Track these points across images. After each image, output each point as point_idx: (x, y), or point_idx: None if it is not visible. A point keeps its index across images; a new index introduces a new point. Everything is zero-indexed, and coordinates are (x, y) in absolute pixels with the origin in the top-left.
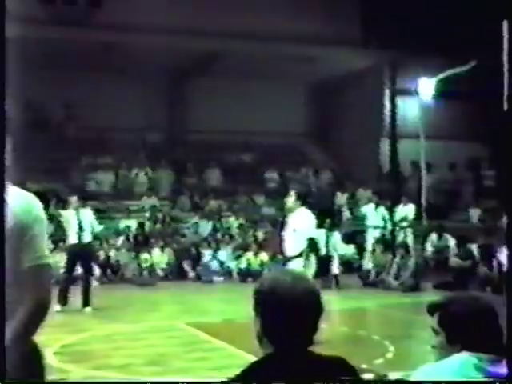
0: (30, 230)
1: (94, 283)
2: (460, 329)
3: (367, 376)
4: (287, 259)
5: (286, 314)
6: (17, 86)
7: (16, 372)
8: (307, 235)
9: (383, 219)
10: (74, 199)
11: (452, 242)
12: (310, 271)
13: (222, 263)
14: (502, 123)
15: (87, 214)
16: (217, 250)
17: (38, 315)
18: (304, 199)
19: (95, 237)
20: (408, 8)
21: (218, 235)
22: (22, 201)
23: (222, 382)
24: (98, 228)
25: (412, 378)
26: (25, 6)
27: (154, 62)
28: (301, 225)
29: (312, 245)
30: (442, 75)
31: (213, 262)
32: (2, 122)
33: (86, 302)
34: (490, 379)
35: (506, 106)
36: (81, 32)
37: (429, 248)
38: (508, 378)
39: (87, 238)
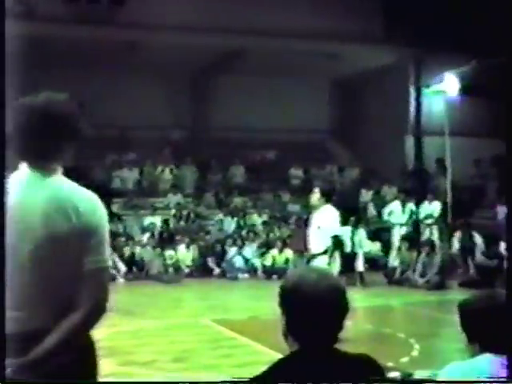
0: (96, 233)
1: (120, 280)
2: (476, 328)
3: (393, 374)
4: (312, 256)
5: (311, 311)
6: (42, 84)
7: (70, 368)
8: (332, 232)
9: (409, 216)
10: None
11: (478, 239)
12: (335, 268)
13: (246, 260)
14: None
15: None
16: (241, 246)
17: (95, 317)
18: (329, 196)
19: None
20: (432, 3)
21: (243, 232)
22: (88, 201)
23: (231, 381)
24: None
25: (439, 377)
26: (48, 5)
27: (178, 59)
28: (325, 222)
29: (337, 242)
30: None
31: (237, 258)
32: (1, 123)
33: None
34: (490, 379)
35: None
36: (104, 30)
37: (455, 245)
38: (508, 377)
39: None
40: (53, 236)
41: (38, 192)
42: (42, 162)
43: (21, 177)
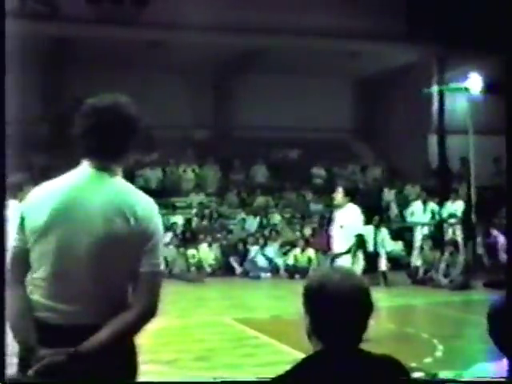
0: (153, 237)
1: None
2: (494, 330)
3: (417, 375)
4: (335, 256)
5: (334, 311)
6: (66, 85)
7: (112, 369)
8: (355, 231)
9: (431, 216)
10: None
11: (502, 238)
12: (358, 268)
13: (269, 259)
14: None
15: None
16: (264, 246)
17: (146, 318)
18: (352, 195)
19: None
20: (455, 1)
21: (265, 231)
22: (145, 205)
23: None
24: None
25: (465, 378)
26: (72, 6)
27: (200, 59)
28: (348, 221)
29: (360, 241)
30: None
31: (260, 258)
32: (2, 124)
33: None
34: (490, 379)
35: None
36: (127, 31)
37: (478, 245)
38: (508, 377)
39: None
40: (110, 235)
41: (99, 190)
42: (105, 162)
43: (82, 173)
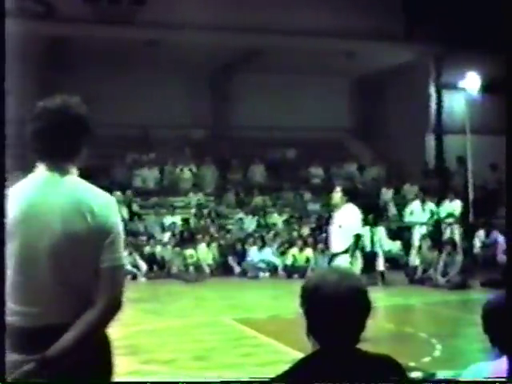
0: (111, 232)
1: (141, 279)
2: (491, 329)
3: (415, 374)
4: (333, 255)
5: (331, 311)
6: (64, 84)
7: (86, 365)
8: (354, 231)
9: (429, 215)
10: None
11: (500, 238)
12: (357, 268)
13: (267, 259)
14: None
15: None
16: (262, 245)
17: (110, 314)
18: (350, 195)
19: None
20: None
21: (263, 231)
22: (102, 201)
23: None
24: None
25: (462, 378)
26: (69, 5)
27: (198, 58)
28: (347, 221)
29: (358, 241)
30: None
31: (258, 257)
32: (1, 122)
33: None
34: (490, 379)
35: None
36: (125, 30)
37: (476, 245)
38: (508, 377)
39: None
40: (69, 234)
41: (55, 191)
42: (59, 163)
43: (38, 176)
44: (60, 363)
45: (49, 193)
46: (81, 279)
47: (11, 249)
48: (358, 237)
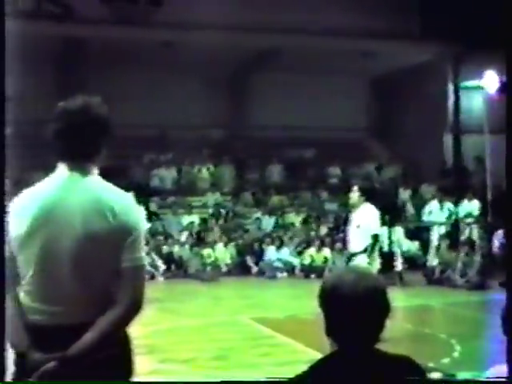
0: (132, 232)
1: (159, 278)
2: (508, 330)
3: (435, 375)
4: (351, 255)
5: (350, 311)
6: (83, 84)
7: (106, 364)
8: (372, 231)
9: (448, 215)
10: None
11: None
12: (375, 267)
13: (284, 259)
14: None
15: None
16: (280, 245)
17: (131, 314)
18: (368, 195)
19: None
20: None
21: (281, 231)
22: (123, 201)
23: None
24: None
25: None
26: (86, 6)
27: (215, 58)
28: (365, 221)
29: (376, 241)
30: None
31: (276, 257)
32: (1, 122)
33: None
34: (490, 379)
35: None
36: (142, 31)
37: (495, 245)
38: (508, 377)
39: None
40: (90, 234)
41: (76, 191)
42: (79, 163)
43: (59, 177)
44: (81, 362)
45: (70, 193)
46: (102, 279)
47: (32, 248)
48: (376, 237)
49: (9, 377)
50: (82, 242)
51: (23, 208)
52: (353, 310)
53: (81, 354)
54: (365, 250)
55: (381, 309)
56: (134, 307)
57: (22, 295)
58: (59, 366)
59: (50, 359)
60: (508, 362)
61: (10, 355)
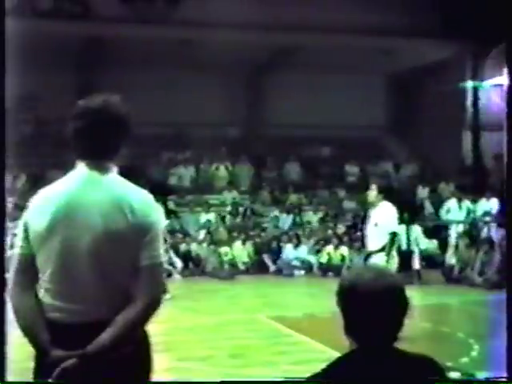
0: (151, 230)
1: (176, 276)
2: None
3: (454, 375)
4: (369, 254)
5: (368, 310)
6: (101, 83)
7: (125, 362)
8: (389, 229)
9: (466, 214)
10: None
11: None
12: (393, 266)
13: (302, 257)
14: None
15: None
16: (297, 243)
17: (150, 311)
18: (386, 193)
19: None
20: None
21: (299, 229)
22: (142, 200)
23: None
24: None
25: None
26: (105, 5)
27: (233, 57)
28: (383, 219)
29: (394, 239)
30: None
31: (293, 255)
32: (1, 122)
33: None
34: (490, 379)
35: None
36: (160, 29)
37: None
38: (508, 377)
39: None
40: (110, 232)
41: (97, 190)
42: (99, 161)
43: (78, 175)
44: (100, 359)
45: (90, 191)
46: (120, 276)
47: (52, 246)
48: (393, 235)
49: (9, 377)
50: (101, 240)
51: (43, 206)
52: (371, 308)
53: (101, 351)
54: (382, 249)
55: (399, 307)
56: (153, 305)
57: (41, 292)
58: (80, 362)
59: (70, 356)
60: (508, 362)
61: (10, 356)
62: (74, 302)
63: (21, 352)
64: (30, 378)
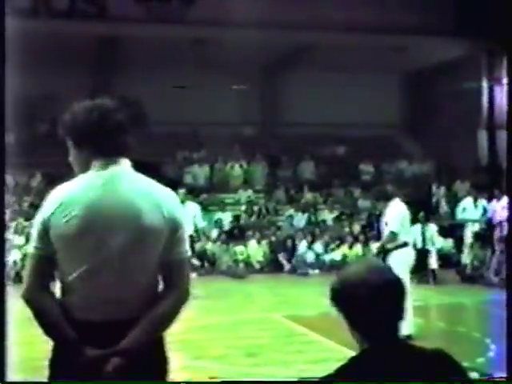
0: (181, 226)
1: (192, 274)
2: None
3: (472, 375)
4: (385, 252)
5: (368, 302)
6: (116, 83)
7: (145, 360)
8: (390, 228)
9: (482, 213)
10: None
11: None
12: (408, 263)
13: (317, 256)
14: None
15: (192, 208)
16: (312, 242)
17: (181, 305)
18: (397, 191)
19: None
20: None
21: (314, 228)
22: (172, 198)
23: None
24: (201, 224)
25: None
26: (119, 5)
27: (247, 56)
28: (389, 218)
29: (391, 239)
30: None
31: (308, 254)
32: (1, 122)
33: None
34: (490, 379)
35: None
36: (174, 29)
37: None
38: (508, 377)
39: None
40: (146, 228)
41: (124, 186)
42: (118, 159)
43: (101, 172)
44: (133, 356)
45: (117, 188)
46: (150, 274)
47: (82, 245)
48: (392, 234)
49: (10, 377)
50: (136, 237)
51: (67, 204)
52: (372, 299)
53: (134, 348)
54: (396, 247)
55: (398, 294)
56: (183, 299)
57: (65, 292)
58: (118, 360)
59: (106, 354)
60: (508, 362)
61: (10, 355)
62: (102, 300)
63: (21, 352)
64: (31, 377)
